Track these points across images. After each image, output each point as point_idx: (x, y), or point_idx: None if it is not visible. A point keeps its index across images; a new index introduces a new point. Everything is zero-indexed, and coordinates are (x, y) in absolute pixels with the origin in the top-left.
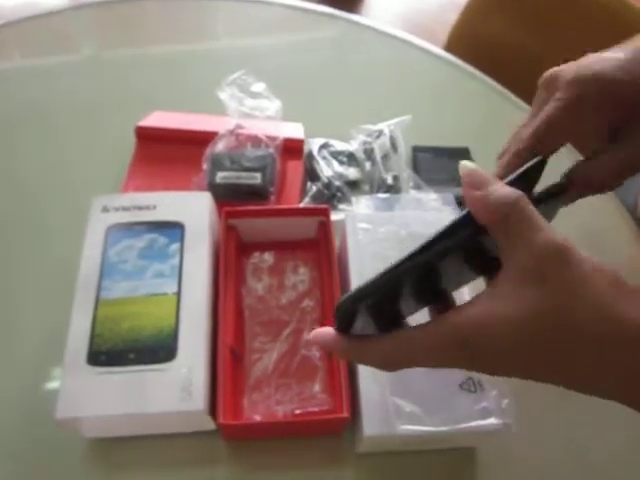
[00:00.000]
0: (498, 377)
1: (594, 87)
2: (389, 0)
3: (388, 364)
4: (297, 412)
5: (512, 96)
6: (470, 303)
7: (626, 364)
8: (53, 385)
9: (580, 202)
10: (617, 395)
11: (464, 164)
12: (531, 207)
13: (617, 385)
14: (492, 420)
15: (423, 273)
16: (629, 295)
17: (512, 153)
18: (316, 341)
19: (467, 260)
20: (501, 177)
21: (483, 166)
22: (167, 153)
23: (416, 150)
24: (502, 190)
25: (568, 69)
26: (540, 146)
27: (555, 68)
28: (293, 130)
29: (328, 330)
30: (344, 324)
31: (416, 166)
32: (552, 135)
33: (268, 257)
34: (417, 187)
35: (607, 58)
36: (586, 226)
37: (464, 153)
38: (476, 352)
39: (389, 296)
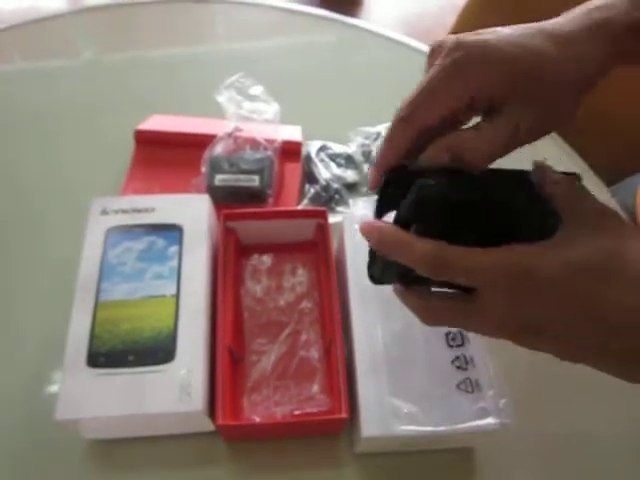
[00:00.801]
0: (495, 379)
1: (474, 53)
2: (388, 3)
3: (429, 266)
4: (296, 413)
5: None
6: (530, 244)
7: None
8: (53, 386)
9: None
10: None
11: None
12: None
13: None
14: (490, 420)
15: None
16: None
17: (392, 123)
18: (366, 224)
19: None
20: (386, 154)
21: None
22: (166, 156)
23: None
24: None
25: (453, 36)
26: (418, 113)
27: (444, 36)
28: (291, 133)
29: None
30: (404, 219)
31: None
32: (428, 101)
33: (266, 259)
34: None
35: (502, 30)
36: None
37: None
38: (521, 289)
39: (459, 214)
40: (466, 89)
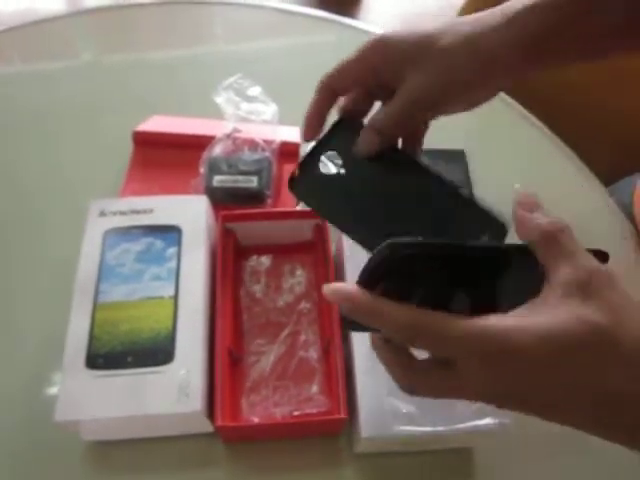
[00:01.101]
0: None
1: (374, 41)
2: (387, 2)
3: (405, 331)
4: (295, 414)
5: (507, 98)
6: (506, 315)
7: None
8: (52, 388)
9: (576, 202)
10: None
11: (518, 188)
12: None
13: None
14: (488, 420)
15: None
16: None
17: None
18: (332, 291)
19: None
20: (310, 117)
21: (479, 167)
22: (164, 157)
23: None
24: (551, 216)
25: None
26: (331, 81)
27: None
28: (289, 134)
29: (346, 284)
30: (373, 278)
31: None
32: (343, 76)
33: (265, 260)
34: None
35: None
36: (581, 225)
37: (460, 156)
38: (496, 362)
39: (432, 269)
40: (363, 68)
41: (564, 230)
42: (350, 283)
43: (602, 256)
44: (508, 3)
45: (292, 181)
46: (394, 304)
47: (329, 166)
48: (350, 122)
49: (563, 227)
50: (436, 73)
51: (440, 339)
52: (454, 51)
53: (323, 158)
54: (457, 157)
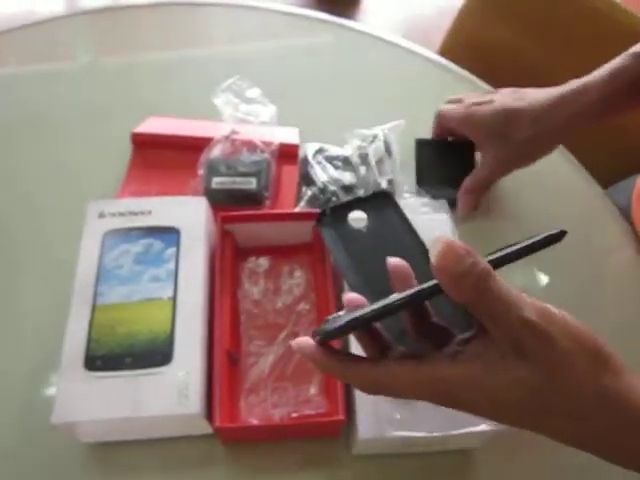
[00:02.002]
0: None
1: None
2: (386, 5)
3: (366, 390)
4: (294, 415)
5: None
6: (455, 360)
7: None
8: (50, 390)
9: (573, 205)
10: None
11: (435, 243)
12: (502, 283)
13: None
14: (484, 426)
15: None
16: (606, 371)
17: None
18: (298, 351)
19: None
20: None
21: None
22: (163, 159)
23: (420, 144)
24: (474, 270)
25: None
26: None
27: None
28: (288, 135)
29: (310, 342)
30: (327, 341)
31: (419, 160)
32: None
33: (264, 261)
34: (411, 191)
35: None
36: (580, 229)
37: (469, 148)
38: (452, 402)
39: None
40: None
41: (485, 286)
42: (310, 341)
43: (556, 237)
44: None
45: (322, 216)
46: (346, 366)
47: (355, 221)
48: (386, 195)
49: (483, 284)
50: (518, 150)
51: (396, 392)
52: (534, 134)
53: (353, 213)
54: (466, 149)
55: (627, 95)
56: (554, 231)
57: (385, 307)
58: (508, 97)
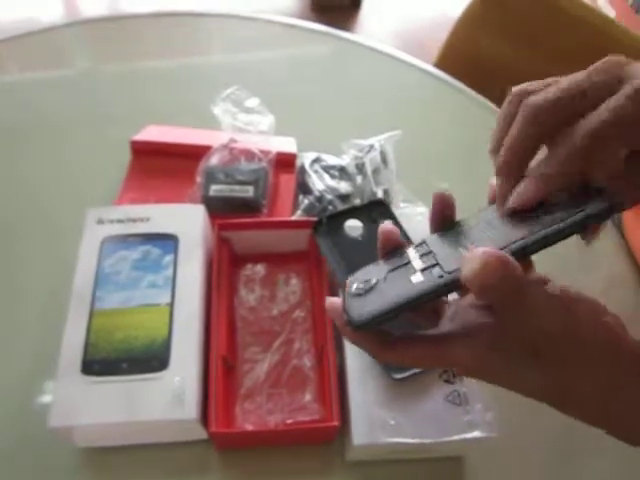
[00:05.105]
0: (483, 390)
1: None
2: (383, 16)
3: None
4: (289, 421)
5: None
6: (470, 344)
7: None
8: (47, 394)
9: None
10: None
11: (469, 260)
12: (532, 289)
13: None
14: (477, 433)
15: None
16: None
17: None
18: (330, 313)
19: None
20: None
21: (468, 181)
22: (161, 167)
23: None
24: (507, 278)
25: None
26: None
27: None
28: (286, 144)
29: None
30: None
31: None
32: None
33: (260, 269)
34: (406, 200)
35: None
36: (572, 242)
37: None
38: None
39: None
40: None
41: (522, 288)
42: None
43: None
44: None
45: (318, 224)
46: (369, 342)
47: (351, 230)
48: (382, 204)
49: (521, 285)
50: None
51: (423, 363)
52: None
53: (349, 222)
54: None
55: None
56: (601, 203)
57: (436, 288)
58: None
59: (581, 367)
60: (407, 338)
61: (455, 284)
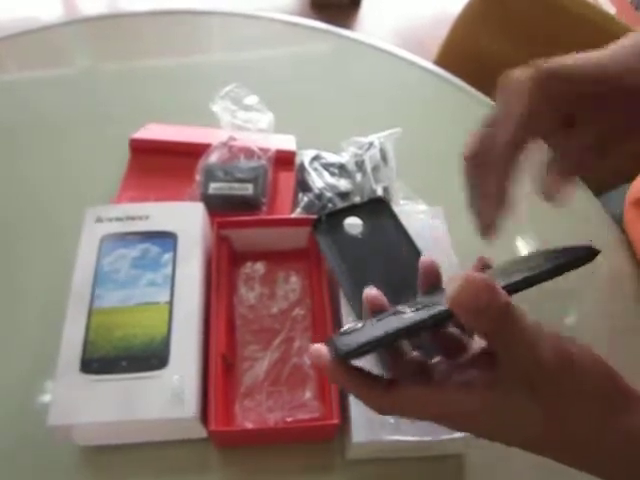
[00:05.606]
0: None
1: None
2: (383, 14)
3: (379, 411)
4: (288, 419)
5: None
6: (468, 386)
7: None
8: (46, 393)
9: (567, 212)
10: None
11: (452, 280)
12: (521, 319)
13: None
14: None
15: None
16: (622, 412)
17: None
18: (315, 360)
19: None
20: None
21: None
22: (161, 165)
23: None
24: (494, 301)
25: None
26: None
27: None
28: (285, 142)
29: (326, 353)
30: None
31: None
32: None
33: (260, 267)
34: (407, 198)
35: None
36: (573, 236)
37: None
38: (464, 428)
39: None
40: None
41: (508, 318)
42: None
43: (587, 253)
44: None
45: (318, 222)
46: (359, 388)
47: (351, 227)
48: (381, 202)
49: (506, 315)
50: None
51: (408, 415)
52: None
53: (349, 219)
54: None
55: None
56: (581, 246)
57: (415, 324)
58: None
59: (577, 400)
60: (401, 381)
61: (444, 314)
